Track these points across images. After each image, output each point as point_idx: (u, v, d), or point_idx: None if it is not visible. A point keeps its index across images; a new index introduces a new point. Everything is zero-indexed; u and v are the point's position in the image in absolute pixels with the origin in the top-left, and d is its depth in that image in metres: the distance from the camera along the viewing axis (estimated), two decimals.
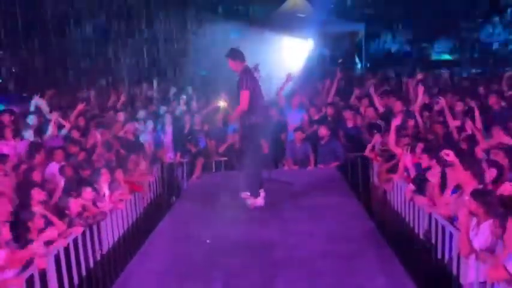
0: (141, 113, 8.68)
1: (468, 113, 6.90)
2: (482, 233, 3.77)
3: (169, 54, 13.86)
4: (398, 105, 7.31)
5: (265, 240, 4.19)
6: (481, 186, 4.02)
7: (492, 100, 7.28)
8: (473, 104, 6.97)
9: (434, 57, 18.99)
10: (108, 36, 13.65)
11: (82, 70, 12.49)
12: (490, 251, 3.68)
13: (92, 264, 4.60)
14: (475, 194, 3.83)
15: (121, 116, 8.26)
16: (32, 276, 3.49)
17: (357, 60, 18.08)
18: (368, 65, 17.99)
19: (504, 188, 4.10)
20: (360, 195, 7.34)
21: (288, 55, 14.68)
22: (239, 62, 5.29)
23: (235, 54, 5.33)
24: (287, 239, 4.23)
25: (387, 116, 7.51)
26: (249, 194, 5.33)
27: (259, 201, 5.27)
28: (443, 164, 4.34)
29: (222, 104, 7.85)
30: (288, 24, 15.71)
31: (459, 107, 7.26)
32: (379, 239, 4.19)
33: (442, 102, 7.11)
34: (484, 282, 3.60)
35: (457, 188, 4.25)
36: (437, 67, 16.87)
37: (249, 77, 5.24)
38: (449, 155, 4.07)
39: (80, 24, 13.23)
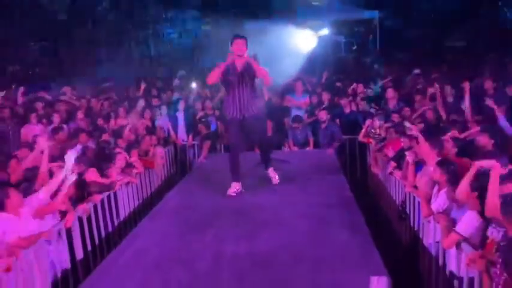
0: (157, 100, 9.53)
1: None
2: (440, 198, 4.34)
3: (186, 46, 14.49)
4: (390, 92, 7.86)
5: (255, 205, 4.89)
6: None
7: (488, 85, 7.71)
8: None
9: (449, 43, 18.93)
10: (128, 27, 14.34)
11: (104, 60, 13.32)
12: (446, 214, 4.26)
13: (110, 229, 5.41)
14: (441, 163, 4.40)
15: (142, 102, 9.18)
16: (59, 232, 4.30)
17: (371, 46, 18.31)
18: (383, 51, 18.12)
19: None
20: (357, 174, 8.05)
21: (300, 44, 15.04)
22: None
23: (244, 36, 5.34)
24: (274, 205, 4.92)
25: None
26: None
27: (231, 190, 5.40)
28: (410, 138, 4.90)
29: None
30: (303, 13, 16.15)
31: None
32: (354, 206, 4.81)
33: (436, 88, 7.60)
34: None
35: (421, 162, 4.82)
36: (452, 54, 16.97)
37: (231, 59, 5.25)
38: (412, 129, 4.63)
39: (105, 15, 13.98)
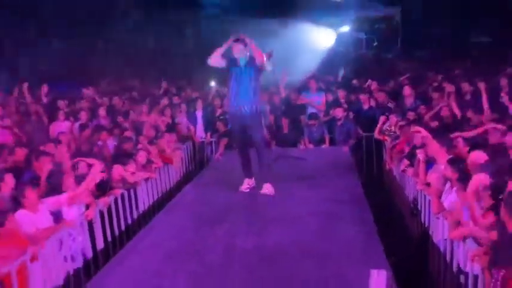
0: (177, 98, 9.80)
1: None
2: (453, 195, 4.38)
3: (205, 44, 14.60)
4: (407, 90, 7.87)
5: (266, 202, 5.04)
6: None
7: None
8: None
9: (473, 39, 18.54)
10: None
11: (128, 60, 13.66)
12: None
13: (129, 221, 5.67)
14: (451, 161, 4.44)
15: (165, 100, 9.47)
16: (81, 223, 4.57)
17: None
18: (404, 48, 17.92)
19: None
20: (373, 170, 8.09)
21: (320, 42, 15.03)
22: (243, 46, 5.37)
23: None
24: (285, 201, 5.07)
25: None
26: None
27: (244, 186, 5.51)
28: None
29: None
30: (324, 10, 16.12)
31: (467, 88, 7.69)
32: (364, 203, 4.91)
33: (448, 87, 7.58)
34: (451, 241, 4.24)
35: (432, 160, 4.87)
36: (477, 50, 16.63)
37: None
38: (420, 131, 4.69)
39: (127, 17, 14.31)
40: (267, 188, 5.46)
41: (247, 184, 5.54)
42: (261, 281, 3.39)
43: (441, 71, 11.29)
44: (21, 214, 4.05)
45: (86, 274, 4.45)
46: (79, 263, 4.45)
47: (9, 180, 4.55)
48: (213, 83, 11.31)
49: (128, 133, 7.42)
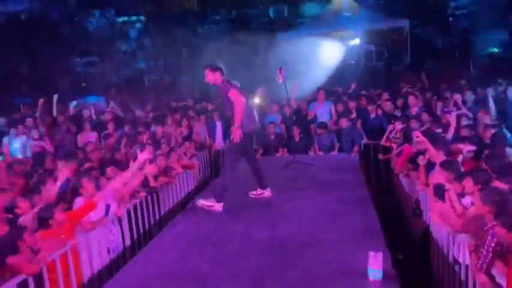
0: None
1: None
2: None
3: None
4: (412, 100, 8.31)
5: (277, 202, 5.52)
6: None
7: None
8: None
9: (482, 51, 18.83)
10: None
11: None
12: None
13: (152, 221, 6.18)
14: (442, 164, 4.85)
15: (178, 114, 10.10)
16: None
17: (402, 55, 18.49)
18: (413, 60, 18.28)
19: None
20: (381, 176, 8.47)
21: (331, 54, 15.42)
22: (219, 74, 5.35)
23: (216, 67, 5.38)
24: (293, 200, 5.55)
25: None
26: (210, 202, 5.41)
27: (219, 207, 5.38)
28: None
29: (257, 99, 9.22)
30: (334, 23, 16.63)
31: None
32: (368, 202, 5.32)
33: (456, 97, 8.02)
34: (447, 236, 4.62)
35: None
36: (486, 61, 16.90)
37: (233, 85, 5.35)
38: (418, 136, 5.13)
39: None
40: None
41: (260, 192, 5.83)
42: (271, 266, 3.84)
43: (447, 81, 11.71)
44: (79, 202, 4.65)
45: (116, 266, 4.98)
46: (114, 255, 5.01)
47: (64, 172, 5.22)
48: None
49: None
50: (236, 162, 5.55)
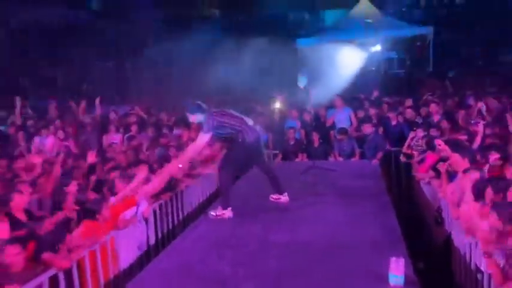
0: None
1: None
2: None
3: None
4: (433, 107, 8.27)
5: (295, 207, 5.59)
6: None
7: None
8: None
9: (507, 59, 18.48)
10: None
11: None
12: None
13: (175, 222, 6.32)
14: (466, 171, 4.85)
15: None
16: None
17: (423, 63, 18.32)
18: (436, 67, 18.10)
19: None
20: (402, 183, 8.46)
21: (352, 61, 15.42)
22: (200, 113, 5.32)
23: (192, 109, 5.35)
24: (313, 205, 5.62)
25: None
26: (219, 211, 5.45)
27: (229, 212, 5.43)
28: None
29: (278, 104, 9.33)
30: (356, 30, 16.60)
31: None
32: (389, 208, 5.33)
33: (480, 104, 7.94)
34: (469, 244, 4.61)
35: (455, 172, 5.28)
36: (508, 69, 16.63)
37: (216, 117, 5.29)
38: (440, 144, 5.12)
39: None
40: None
41: (277, 196, 5.91)
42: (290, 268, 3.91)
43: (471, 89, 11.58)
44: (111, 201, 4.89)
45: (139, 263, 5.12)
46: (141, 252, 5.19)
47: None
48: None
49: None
50: (232, 169, 5.60)
